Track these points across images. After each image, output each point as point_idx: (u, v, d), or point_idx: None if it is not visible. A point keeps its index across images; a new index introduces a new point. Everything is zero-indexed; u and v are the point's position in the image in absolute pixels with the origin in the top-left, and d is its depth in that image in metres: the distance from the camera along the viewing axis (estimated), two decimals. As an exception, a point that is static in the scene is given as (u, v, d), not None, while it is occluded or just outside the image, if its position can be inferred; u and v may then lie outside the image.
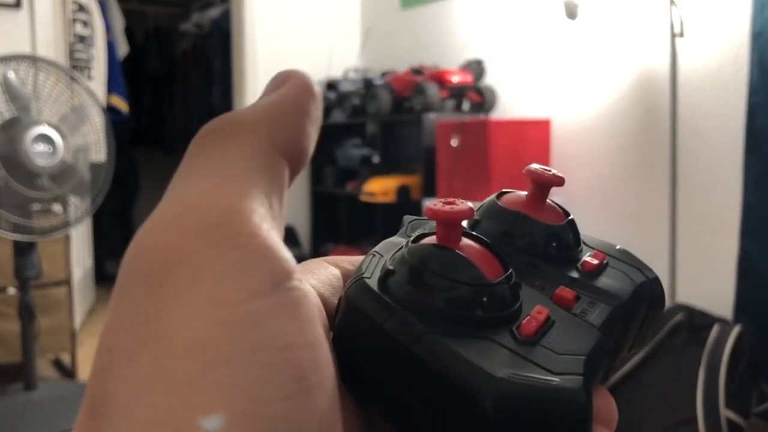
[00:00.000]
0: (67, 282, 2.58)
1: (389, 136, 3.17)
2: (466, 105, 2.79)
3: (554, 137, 2.57)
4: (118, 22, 3.63)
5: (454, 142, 2.49)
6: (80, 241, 3.25)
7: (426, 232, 0.20)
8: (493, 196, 0.23)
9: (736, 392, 1.77)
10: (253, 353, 0.14)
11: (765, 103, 1.93)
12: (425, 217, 0.22)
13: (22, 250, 2.18)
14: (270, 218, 0.16)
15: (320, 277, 0.21)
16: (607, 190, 2.44)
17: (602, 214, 2.44)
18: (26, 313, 2.23)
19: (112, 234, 4.45)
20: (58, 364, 2.76)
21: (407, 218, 0.23)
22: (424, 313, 0.17)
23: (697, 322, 1.87)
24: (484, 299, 0.18)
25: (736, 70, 2.05)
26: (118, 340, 0.14)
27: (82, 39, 3.09)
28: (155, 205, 0.16)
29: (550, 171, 0.22)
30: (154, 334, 0.14)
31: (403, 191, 2.89)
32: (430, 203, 0.19)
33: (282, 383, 0.14)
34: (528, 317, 0.18)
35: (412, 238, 0.20)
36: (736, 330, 1.81)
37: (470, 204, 0.19)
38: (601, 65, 2.42)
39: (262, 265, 0.14)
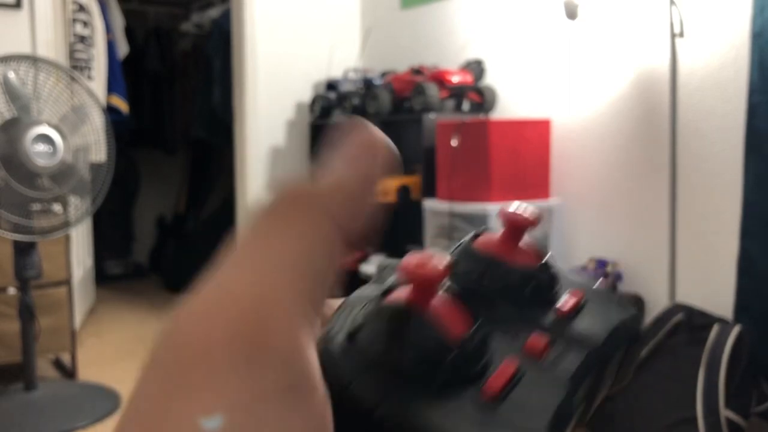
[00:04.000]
0: (67, 282, 2.58)
1: (389, 136, 3.02)
2: (466, 105, 2.79)
3: (554, 137, 2.57)
4: (118, 22, 3.63)
5: (454, 142, 2.49)
6: (80, 241, 3.25)
7: (396, 283, 0.20)
8: (467, 238, 0.23)
9: (736, 392, 1.77)
10: None
11: (765, 103, 1.93)
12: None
13: (22, 250, 2.18)
14: (308, 313, 0.16)
15: None
16: (607, 190, 2.44)
17: (602, 214, 2.44)
18: (26, 313, 2.23)
19: (112, 234, 4.45)
20: (58, 364, 2.76)
21: (381, 264, 0.23)
22: (389, 374, 0.17)
23: (697, 321, 1.87)
24: (448, 359, 0.18)
25: (736, 70, 2.05)
26: (129, 428, 0.14)
27: (82, 39, 3.09)
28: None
29: (525, 211, 0.22)
30: (159, 431, 0.14)
31: (403, 191, 2.89)
32: (407, 257, 0.18)
33: None
34: (495, 373, 0.18)
35: (380, 293, 0.19)
36: (736, 330, 1.81)
37: (447, 257, 0.19)
38: (601, 65, 2.42)
39: (281, 370, 0.15)
